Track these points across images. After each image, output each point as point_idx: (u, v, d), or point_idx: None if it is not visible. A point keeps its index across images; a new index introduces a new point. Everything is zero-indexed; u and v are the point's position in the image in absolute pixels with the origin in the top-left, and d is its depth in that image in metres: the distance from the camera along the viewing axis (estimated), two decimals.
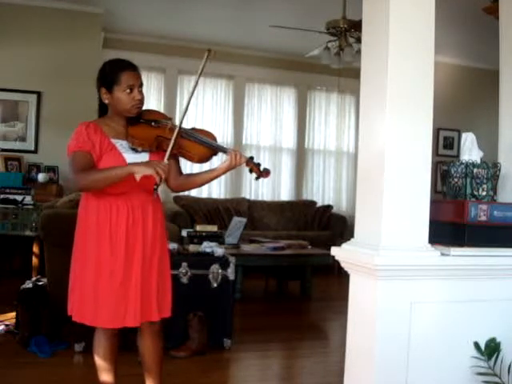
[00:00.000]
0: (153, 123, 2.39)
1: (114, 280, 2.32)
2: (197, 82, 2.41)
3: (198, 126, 2.62)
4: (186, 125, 2.50)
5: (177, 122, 2.40)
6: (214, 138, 2.47)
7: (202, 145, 2.40)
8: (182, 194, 7.06)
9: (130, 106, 2.35)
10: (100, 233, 2.34)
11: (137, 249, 2.37)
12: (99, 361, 2.49)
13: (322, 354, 4.02)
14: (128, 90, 2.33)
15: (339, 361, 2.39)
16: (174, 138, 2.32)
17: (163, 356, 2.61)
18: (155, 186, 2.24)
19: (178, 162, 2.54)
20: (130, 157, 2.35)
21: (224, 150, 2.42)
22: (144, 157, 2.38)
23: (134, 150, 2.37)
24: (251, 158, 2.43)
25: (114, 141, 2.37)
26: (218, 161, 2.67)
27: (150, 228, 2.41)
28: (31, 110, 6.74)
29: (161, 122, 2.41)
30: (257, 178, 2.43)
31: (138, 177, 2.19)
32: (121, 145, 2.38)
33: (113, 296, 2.32)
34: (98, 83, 2.40)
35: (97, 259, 2.34)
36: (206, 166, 2.66)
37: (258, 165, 2.42)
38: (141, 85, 2.38)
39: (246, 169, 2.44)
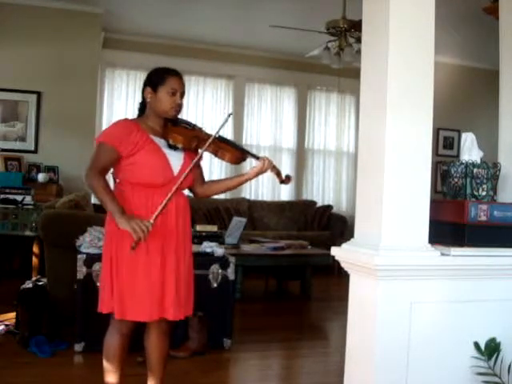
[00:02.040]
0: (189, 126, 2.56)
1: (150, 276, 2.40)
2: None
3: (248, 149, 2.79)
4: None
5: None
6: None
7: (236, 148, 2.59)
8: None
9: (170, 107, 2.47)
10: (119, 230, 2.37)
11: (171, 247, 2.45)
12: (109, 361, 2.49)
13: (322, 353, 4.02)
14: (171, 93, 2.47)
15: (339, 361, 2.39)
16: (211, 139, 2.48)
17: (167, 356, 2.64)
18: (133, 244, 2.31)
19: (201, 170, 2.67)
20: (168, 152, 2.48)
21: (256, 157, 2.60)
22: (179, 154, 2.51)
23: (172, 148, 2.49)
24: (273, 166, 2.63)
25: (152, 137, 2.48)
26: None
27: (181, 226, 2.50)
28: (31, 110, 6.74)
29: (195, 126, 2.58)
30: (281, 183, 2.67)
31: (122, 227, 2.31)
32: (159, 141, 2.49)
33: (149, 291, 2.39)
34: (143, 86, 2.53)
35: (133, 257, 2.38)
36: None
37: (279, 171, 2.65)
38: (183, 93, 2.52)
39: (246, 168, 2.59)
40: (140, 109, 2.60)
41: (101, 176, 2.38)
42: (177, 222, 2.49)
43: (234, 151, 2.56)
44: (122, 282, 2.39)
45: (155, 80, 2.49)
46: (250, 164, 2.72)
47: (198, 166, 2.60)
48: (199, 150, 2.50)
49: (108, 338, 2.50)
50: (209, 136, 2.52)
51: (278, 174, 2.62)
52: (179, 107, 2.51)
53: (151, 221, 2.33)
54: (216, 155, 2.55)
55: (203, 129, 2.60)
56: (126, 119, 2.55)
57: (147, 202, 2.42)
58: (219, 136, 2.54)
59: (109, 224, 2.45)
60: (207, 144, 2.47)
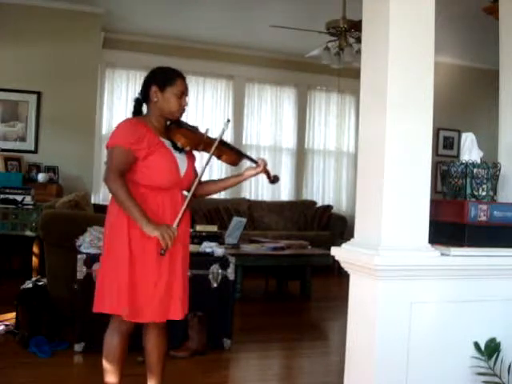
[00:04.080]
0: (193, 129, 2.59)
1: (148, 277, 2.40)
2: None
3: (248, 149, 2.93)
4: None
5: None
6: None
7: (235, 152, 2.69)
8: None
9: (176, 109, 2.49)
10: (133, 229, 2.38)
11: (174, 248, 2.43)
12: (108, 361, 2.49)
13: (322, 353, 4.02)
14: (179, 95, 2.48)
15: (339, 361, 2.39)
16: (216, 143, 2.53)
17: (166, 355, 2.64)
18: (162, 251, 2.36)
19: (195, 169, 2.67)
20: (176, 155, 2.50)
21: (253, 161, 2.68)
22: (183, 156, 2.54)
23: (178, 150, 2.52)
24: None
25: (162, 139, 2.49)
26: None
27: (182, 227, 2.48)
28: (31, 110, 6.73)
29: (198, 129, 2.62)
30: (271, 183, 2.75)
31: (148, 234, 2.33)
32: (166, 143, 2.50)
33: (158, 292, 2.41)
34: (147, 82, 2.52)
35: (130, 256, 2.38)
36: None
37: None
38: (187, 95, 2.56)
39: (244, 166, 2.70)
40: (136, 106, 2.56)
41: (122, 180, 2.35)
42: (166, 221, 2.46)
43: (233, 155, 2.66)
44: (135, 283, 2.39)
45: (163, 80, 2.47)
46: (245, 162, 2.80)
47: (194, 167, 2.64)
48: (207, 154, 2.54)
49: (107, 337, 2.49)
50: (211, 140, 2.56)
51: (268, 174, 2.71)
52: (184, 110, 2.54)
53: (175, 226, 2.37)
54: (219, 158, 2.62)
55: (202, 131, 2.62)
56: (131, 119, 2.51)
57: (158, 209, 2.43)
58: (221, 140, 2.59)
59: (121, 226, 2.41)
60: (213, 148, 2.52)
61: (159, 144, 2.44)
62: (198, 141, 2.54)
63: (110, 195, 2.50)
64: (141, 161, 2.40)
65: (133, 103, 2.59)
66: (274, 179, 2.73)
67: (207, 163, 2.52)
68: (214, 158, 2.62)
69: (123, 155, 2.38)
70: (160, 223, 2.36)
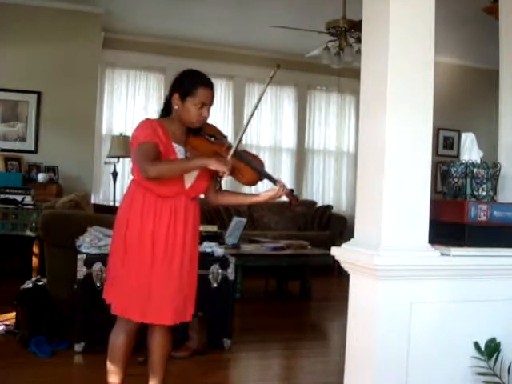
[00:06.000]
0: (212, 139, 2.49)
1: (153, 277, 2.41)
2: (259, 100, 2.54)
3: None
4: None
5: (232, 142, 2.52)
6: (262, 164, 2.57)
7: (254, 170, 2.49)
8: None
9: (195, 119, 2.44)
10: (142, 233, 2.40)
11: (176, 250, 2.44)
12: (112, 360, 2.50)
13: (322, 353, 4.02)
14: (199, 105, 2.42)
15: (339, 361, 2.39)
16: (229, 157, 2.40)
17: (169, 355, 2.66)
18: (219, 179, 2.40)
19: (214, 179, 2.61)
20: None
21: (273, 181, 2.50)
22: None
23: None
24: (291, 190, 2.57)
25: (174, 145, 2.45)
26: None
27: (190, 231, 2.48)
28: (31, 110, 6.74)
29: (220, 139, 2.52)
30: (290, 204, 2.59)
31: (212, 167, 2.32)
32: (179, 150, 2.47)
33: (150, 291, 2.40)
34: (172, 87, 2.49)
35: (137, 258, 2.40)
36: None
37: (295, 196, 2.58)
38: (211, 104, 2.48)
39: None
40: (164, 109, 2.53)
41: (154, 161, 2.33)
42: (185, 227, 2.47)
43: (252, 173, 2.49)
44: (149, 284, 2.41)
45: (185, 88, 2.43)
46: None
47: (212, 177, 2.54)
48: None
49: (113, 336, 2.50)
50: (229, 149, 2.44)
51: (289, 196, 2.54)
52: (205, 119, 2.48)
53: (229, 158, 2.36)
54: (231, 175, 2.47)
55: (228, 138, 2.55)
56: (149, 119, 2.48)
57: (156, 213, 2.41)
58: (239, 154, 2.48)
59: (131, 232, 2.42)
60: (242, 133, 2.48)
61: (170, 150, 2.42)
62: (212, 153, 2.44)
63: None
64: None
65: (162, 106, 2.56)
66: (295, 204, 2.56)
67: (218, 176, 2.43)
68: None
69: (150, 148, 2.36)
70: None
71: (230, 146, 2.47)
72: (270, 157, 8.56)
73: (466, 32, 6.97)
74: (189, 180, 2.46)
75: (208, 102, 2.45)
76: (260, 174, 2.51)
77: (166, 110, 2.53)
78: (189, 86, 2.43)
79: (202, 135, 2.49)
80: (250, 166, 2.48)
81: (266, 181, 2.55)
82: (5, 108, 6.69)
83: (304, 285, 5.96)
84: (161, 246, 2.41)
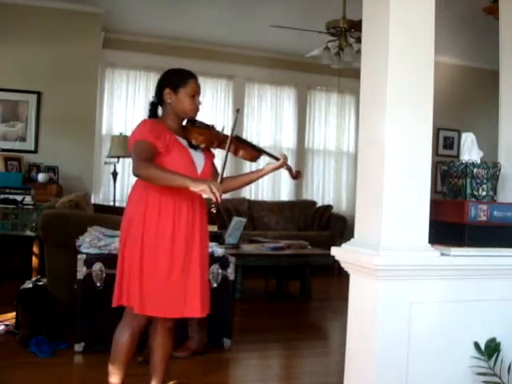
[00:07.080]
0: (207, 127, 2.63)
1: (173, 274, 2.45)
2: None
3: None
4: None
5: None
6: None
7: (253, 148, 2.72)
8: None
9: (190, 109, 2.55)
10: (160, 229, 2.44)
11: (195, 246, 2.51)
12: (116, 358, 2.50)
13: (322, 353, 4.02)
14: (191, 95, 2.54)
15: (339, 361, 2.39)
16: (229, 139, 2.55)
17: (170, 355, 2.68)
18: (212, 205, 2.40)
19: (215, 167, 2.71)
20: (192, 152, 2.55)
21: (274, 157, 2.70)
22: (200, 154, 2.59)
23: (194, 147, 2.57)
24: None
25: (179, 138, 2.53)
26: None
27: (204, 227, 2.57)
28: (31, 110, 6.73)
29: (214, 128, 2.65)
30: (294, 178, 2.79)
31: (193, 190, 2.32)
32: (183, 141, 2.55)
33: (170, 288, 2.44)
34: (160, 84, 2.58)
35: (156, 255, 2.42)
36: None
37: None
38: (199, 94, 2.61)
39: (247, 169, 2.56)
40: (152, 109, 2.62)
41: (149, 162, 2.37)
42: (194, 219, 2.52)
43: (251, 150, 2.69)
44: (158, 279, 2.43)
45: (176, 81, 2.54)
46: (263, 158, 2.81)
47: (213, 164, 2.68)
48: (223, 151, 2.55)
49: (117, 334, 2.51)
50: (225, 136, 2.59)
51: (290, 170, 2.72)
52: (198, 109, 2.59)
53: (219, 181, 2.39)
54: (236, 154, 2.64)
55: (219, 129, 2.66)
56: (149, 119, 2.57)
57: (174, 204, 2.46)
58: (236, 136, 2.64)
59: (141, 228, 2.44)
60: (228, 144, 2.53)
61: (176, 142, 2.50)
62: (213, 138, 2.58)
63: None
64: (160, 157, 2.43)
65: (148, 107, 2.64)
66: (296, 175, 2.75)
67: (225, 159, 2.50)
68: (234, 156, 2.65)
69: (145, 147, 2.41)
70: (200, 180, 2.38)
71: (223, 134, 2.61)
72: None
73: (465, 32, 6.97)
74: (200, 165, 2.55)
75: (198, 93, 2.58)
76: (259, 151, 2.71)
77: (155, 112, 2.61)
78: (178, 79, 2.55)
79: (199, 125, 2.61)
80: (249, 145, 2.69)
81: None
82: (5, 108, 6.68)
83: (304, 285, 5.96)
84: (181, 241, 2.46)
